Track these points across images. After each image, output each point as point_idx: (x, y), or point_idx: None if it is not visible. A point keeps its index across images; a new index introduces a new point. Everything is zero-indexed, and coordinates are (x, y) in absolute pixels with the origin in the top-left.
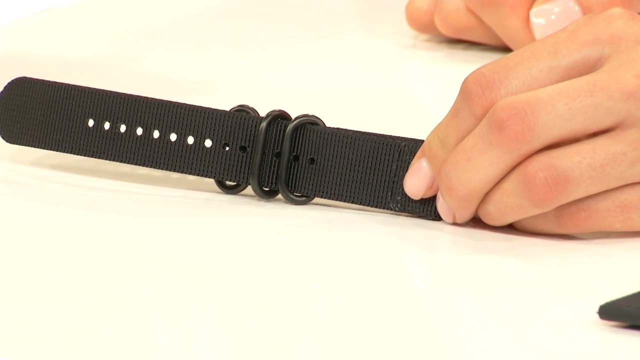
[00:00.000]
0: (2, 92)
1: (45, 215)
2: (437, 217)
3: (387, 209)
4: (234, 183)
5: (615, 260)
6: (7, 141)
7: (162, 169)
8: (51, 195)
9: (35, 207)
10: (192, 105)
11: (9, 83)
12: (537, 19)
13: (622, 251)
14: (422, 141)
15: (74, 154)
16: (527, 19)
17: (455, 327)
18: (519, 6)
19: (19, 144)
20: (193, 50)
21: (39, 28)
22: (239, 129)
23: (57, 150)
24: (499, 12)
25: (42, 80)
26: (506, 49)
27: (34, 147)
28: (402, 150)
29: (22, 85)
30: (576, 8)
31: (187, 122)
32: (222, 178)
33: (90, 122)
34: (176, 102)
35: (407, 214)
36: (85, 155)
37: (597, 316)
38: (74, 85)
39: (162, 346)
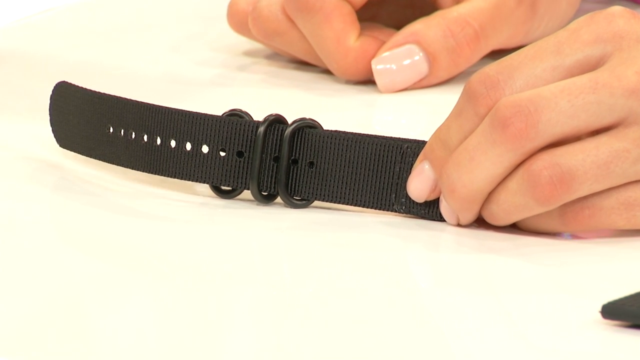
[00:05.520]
0: (51, 96)
1: (37, 215)
2: (443, 219)
3: (392, 211)
4: (230, 188)
5: (618, 260)
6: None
7: (161, 175)
8: (44, 195)
9: (31, 206)
10: (190, 111)
11: (55, 86)
12: (380, 65)
13: (625, 250)
14: (425, 142)
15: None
16: (342, 31)
17: (458, 327)
18: (335, 17)
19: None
20: (193, 50)
21: (39, 28)
22: (236, 134)
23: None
24: (314, 19)
25: (72, 85)
26: (306, 64)
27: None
28: (405, 152)
29: (63, 90)
30: (421, 54)
31: (184, 128)
32: (220, 183)
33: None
34: (173, 109)
35: (412, 215)
36: (86, 155)
37: (599, 315)
38: (82, 88)
39: (161, 347)
